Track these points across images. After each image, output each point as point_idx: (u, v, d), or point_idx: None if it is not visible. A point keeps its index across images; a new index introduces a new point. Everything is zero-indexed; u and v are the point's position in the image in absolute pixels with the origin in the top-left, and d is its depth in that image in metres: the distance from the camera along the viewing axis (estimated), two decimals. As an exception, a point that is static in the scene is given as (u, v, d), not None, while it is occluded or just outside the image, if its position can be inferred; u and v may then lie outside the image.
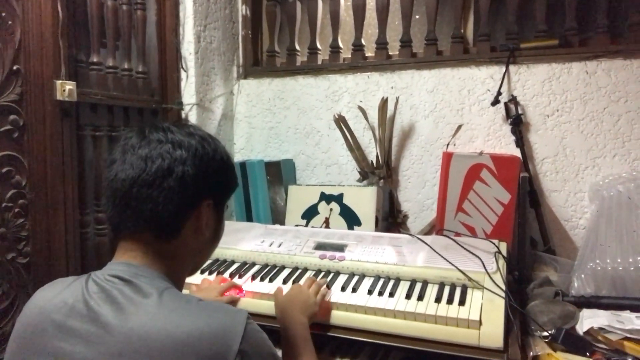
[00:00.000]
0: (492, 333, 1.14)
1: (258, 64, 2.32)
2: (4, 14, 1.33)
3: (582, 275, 1.49)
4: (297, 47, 2.22)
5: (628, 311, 1.36)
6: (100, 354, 0.71)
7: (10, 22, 1.34)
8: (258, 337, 0.78)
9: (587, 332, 1.28)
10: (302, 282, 1.33)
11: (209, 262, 1.57)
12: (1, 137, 1.32)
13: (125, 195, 0.80)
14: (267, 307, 1.30)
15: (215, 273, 1.49)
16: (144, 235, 0.82)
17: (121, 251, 0.83)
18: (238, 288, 1.39)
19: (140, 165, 0.80)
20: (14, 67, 1.35)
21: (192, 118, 1.99)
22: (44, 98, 1.40)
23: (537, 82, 1.78)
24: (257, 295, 1.36)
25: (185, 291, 1.34)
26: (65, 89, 1.42)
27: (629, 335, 1.24)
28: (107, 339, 0.71)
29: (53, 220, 1.42)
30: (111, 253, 0.86)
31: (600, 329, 1.27)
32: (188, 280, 1.41)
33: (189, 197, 0.82)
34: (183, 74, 1.97)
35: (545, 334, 1.29)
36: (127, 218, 0.81)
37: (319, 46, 2.18)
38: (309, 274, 1.44)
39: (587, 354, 1.24)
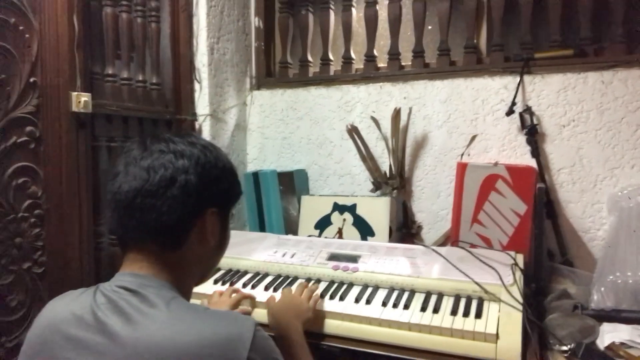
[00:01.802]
0: (510, 347, 1.11)
1: (271, 75, 2.33)
2: (21, 27, 1.35)
3: (602, 288, 1.45)
4: (310, 58, 2.23)
5: (650, 326, 1.32)
6: None
7: (27, 36, 1.36)
8: (266, 345, 0.77)
9: (608, 347, 1.25)
10: (293, 288, 1.34)
11: (222, 272, 1.57)
12: (18, 148, 1.34)
13: (129, 207, 0.80)
14: (280, 318, 1.29)
15: (229, 283, 1.48)
16: (149, 245, 0.82)
17: (127, 262, 0.83)
18: (250, 299, 1.38)
19: (143, 176, 0.79)
20: (31, 80, 1.37)
21: (206, 129, 2.00)
22: (60, 109, 1.41)
23: (552, 92, 1.76)
24: (270, 307, 1.35)
25: (196, 301, 1.35)
26: (80, 100, 1.44)
27: (651, 351, 1.21)
28: (114, 349, 0.71)
29: (68, 231, 1.43)
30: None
31: (622, 343, 1.24)
32: (199, 290, 1.43)
33: (193, 206, 0.82)
34: (197, 85, 1.99)
35: (565, 348, 1.26)
36: (132, 229, 0.81)
37: (331, 57, 2.19)
38: (322, 285, 1.43)
39: (608, 369, 1.21)
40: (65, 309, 0.78)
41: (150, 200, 0.79)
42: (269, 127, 2.23)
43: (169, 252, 0.82)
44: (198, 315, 0.76)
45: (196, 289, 1.43)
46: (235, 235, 1.82)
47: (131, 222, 0.80)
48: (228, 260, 1.60)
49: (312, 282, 1.45)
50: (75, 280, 1.43)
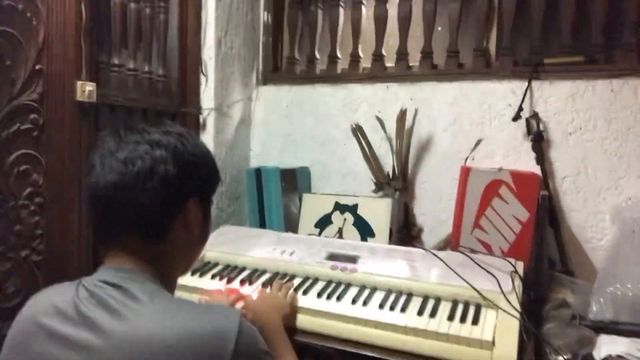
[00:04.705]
0: (505, 355, 1.10)
1: (277, 70, 2.32)
2: (29, 14, 1.35)
3: (601, 299, 1.44)
4: (317, 55, 2.21)
5: (648, 339, 1.31)
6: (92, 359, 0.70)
7: (34, 22, 1.36)
8: (252, 335, 0.77)
9: (605, 359, 1.24)
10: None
11: (220, 267, 1.56)
12: (21, 136, 1.34)
13: (109, 201, 0.78)
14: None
15: (226, 279, 1.48)
16: (131, 239, 0.80)
17: (110, 257, 0.82)
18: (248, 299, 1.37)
19: (121, 169, 0.77)
20: (36, 67, 1.37)
21: (210, 122, 2.00)
22: (64, 98, 1.41)
23: (560, 99, 1.75)
24: (267, 304, 1.34)
25: (195, 297, 1.35)
26: (85, 89, 1.43)
27: (648, 365, 1.20)
28: (98, 344, 0.70)
29: (68, 219, 1.43)
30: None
31: (619, 356, 1.23)
32: (197, 285, 1.43)
33: (174, 196, 0.81)
34: (203, 79, 1.98)
35: (561, 358, 1.25)
36: (113, 223, 0.80)
37: (339, 55, 2.18)
38: (319, 284, 1.42)
39: (604, 382, 1.20)
40: (48, 302, 0.77)
41: (130, 194, 0.77)
42: (274, 123, 2.22)
43: (152, 245, 0.81)
44: (183, 308, 0.76)
45: (193, 283, 1.45)
46: (234, 231, 1.84)
47: (112, 216, 0.79)
48: (226, 256, 1.60)
49: (310, 280, 1.45)
50: (73, 268, 1.43)
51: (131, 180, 0.77)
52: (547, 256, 1.62)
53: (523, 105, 1.75)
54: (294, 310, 1.30)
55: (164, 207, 0.80)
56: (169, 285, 0.85)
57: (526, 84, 1.76)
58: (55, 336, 0.73)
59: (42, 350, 0.73)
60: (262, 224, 1.98)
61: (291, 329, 1.27)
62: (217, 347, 0.71)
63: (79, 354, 0.71)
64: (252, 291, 1.40)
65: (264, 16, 2.27)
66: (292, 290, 1.36)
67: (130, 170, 0.77)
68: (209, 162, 0.89)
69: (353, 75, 2.10)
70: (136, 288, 0.76)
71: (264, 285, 1.43)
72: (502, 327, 1.17)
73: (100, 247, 1.53)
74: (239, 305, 1.33)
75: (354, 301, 1.32)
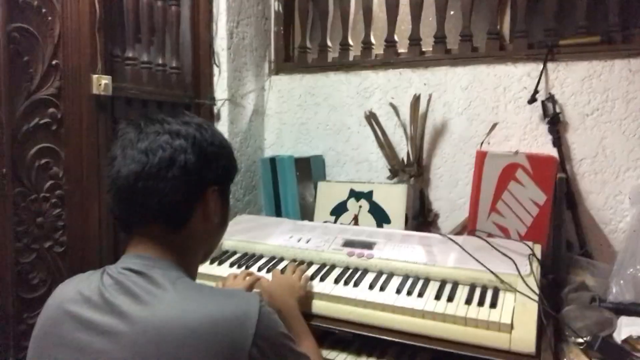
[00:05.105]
0: (524, 337, 1.10)
1: (289, 60, 2.32)
2: (44, 10, 1.36)
3: (621, 281, 1.43)
4: (329, 43, 2.21)
5: (669, 320, 1.30)
6: (117, 344, 0.72)
7: (50, 18, 1.38)
8: (272, 319, 0.79)
9: (625, 341, 1.23)
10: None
11: (237, 255, 1.58)
12: (40, 130, 1.36)
13: (131, 191, 0.80)
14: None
15: (244, 267, 1.50)
16: (153, 227, 0.82)
17: (132, 245, 0.84)
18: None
19: (142, 159, 0.79)
20: (53, 62, 1.39)
21: (224, 113, 2.01)
22: (81, 92, 1.43)
23: (576, 80, 1.72)
24: (285, 291, 1.36)
25: (211, 284, 1.37)
26: (101, 83, 1.45)
27: (670, 345, 1.19)
28: (123, 329, 0.72)
29: (88, 211, 1.45)
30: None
31: (640, 337, 1.22)
32: (215, 272, 1.45)
33: (194, 185, 0.83)
34: (215, 70, 1.99)
35: (580, 340, 1.25)
36: (135, 213, 0.82)
37: (350, 42, 2.17)
38: (336, 270, 1.44)
39: (625, 363, 1.19)
40: (74, 291, 0.80)
41: (151, 183, 0.79)
42: (287, 113, 2.23)
43: (173, 233, 0.83)
44: (204, 294, 0.77)
45: (212, 271, 1.47)
46: (251, 220, 1.86)
47: (134, 205, 0.81)
48: (244, 244, 1.61)
49: (327, 267, 1.46)
50: (95, 259, 1.46)
51: (152, 169, 0.79)
52: (565, 239, 1.61)
53: (539, 88, 1.73)
54: (308, 294, 1.31)
55: (185, 195, 0.81)
56: (190, 272, 0.87)
57: (541, 66, 1.74)
58: (82, 322, 0.76)
59: (70, 336, 0.76)
60: (278, 213, 1.99)
61: (309, 315, 1.29)
62: (238, 331, 0.73)
63: (104, 339, 0.73)
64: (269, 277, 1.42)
65: (274, 6, 2.27)
66: (306, 273, 1.37)
67: (151, 160, 0.79)
68: (227, 152, 0.91)
69: (366, 62, 2.09)
70: (159, 275, 0.77)
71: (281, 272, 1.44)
72: (520, 310, 1.17)
73: (122, 235, 1.57)
74: (256, 289, 1.35)
75: (371, 286, 1.32)
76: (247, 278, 1.36)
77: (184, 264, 0.85)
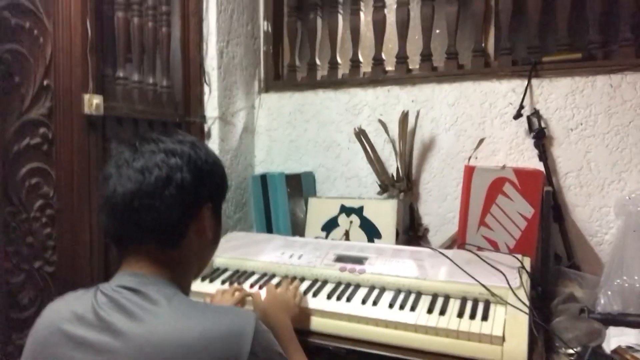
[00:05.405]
0: (516, 349, 1.11)
1: (279, 78, 2.35)
2: (35, 31, 1.38)
3: (609, 292, 1.45)
4: (318, 62, 2.24)
5: (657, 330, 1.32)
6: None
7: (41, 40, 1.39)
8: (267, 338, 0.79)
9: (614, 351, 1.25)
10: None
11: (229, 273, 1.58)
12: (31, 150, 1.37)
13: (127, 209, 0.80)
14: (287, 319, 1.30)
15: (236, 284, 1.49)
16: (148, 245, 0.82)
17: (126, 263, 0.84)
18: (253, 296, 1.38)
19: (138, 178, 0.80)
20: (45, 82, 1.40)
21: (215, 131, 2.02)
22: (72, 112, 1.43)
23: (560, 96, 1.77)
24: (277, 308, 1.36)
25: (199, 300, 1.36)
26: (92, 102, 1.46)
27: (658, 355, 1.20)
28: (118, 347, 0.72)
29: (78, 231, 1.45)
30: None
31: (629, 347, 1.24)
32: (202, 290, 1.44)
33: (190, 203, 0.83)
34: (206, 88, 2.01)
35: (571, 351, 1.26)
36: (131, 231, 0.82)
37: (339, 60, 2.20)
38: (329, 286, 1.44)
39: (615, 373, 1.21)
40: (66, 309, 0.79)
41: (148, 201, 0.79)
42: (277, 130, 2.25)
43: (168, 250, 0.83)
44: (200, 310, 0.78)
45: (203, 289, 1.47)
46: (242, 237, 1.86)
47: (130, 224, 0.81)
48: (235, 261, 1.61)
49: (319, 283, 1.46)
50: (85, 279, 1.45)
51: (149, 188, 0.80)
52: (553, 251, 1.64)
53: (524, 104, 1.77)
54: (302, 311, 1.31)
55: (181, 213, 0.82)
56: (184, 288, 0.87)
57: (526, 82, 1.78)
58: (76, 342, 0.75)
59: (64, 356, 0.75)
60: (269, 229, 2.00)
61: (302, 331, 1.29)
62: (233, 348, 0.73)
63: (100, 357, 0.73)
64: (261, 295, 1.41)
65: (263, 25, 2.30)
66: (300, 290, 1.37)
67: (147, 179, 0.80)
68: (220, 170, 0.92)
69: (354, 80, 2.12)
70: (154, 291, 0.78)
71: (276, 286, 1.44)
72: (511, 322, 1.18)
73: (112, 255, 1.56)
74: (249, 305, 1.34)
75: (363, 301, 1.33)
76: (236, 294, 1.36)
77: (178, 281, 0.85)
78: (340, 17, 2.19)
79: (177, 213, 0.81)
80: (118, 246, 0.85)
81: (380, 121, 2.00)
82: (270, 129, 2.26)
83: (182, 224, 0.83)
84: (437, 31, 2.13)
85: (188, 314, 0.75)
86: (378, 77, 2.07)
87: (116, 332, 0.73)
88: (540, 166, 1.75)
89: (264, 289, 1.37)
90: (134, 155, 0.82)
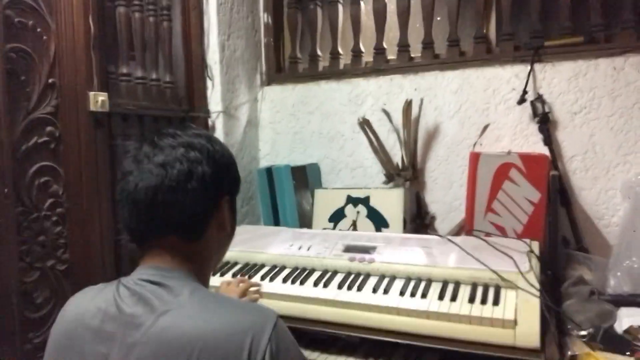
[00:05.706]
0: (528, 332, 1.13)
1: (281, 70, 2.34)
2: (39, 30, 1.37)
3: (618, 273, 1.46)
4: (319, 53, 2.24)
5: (667, 309, 1.33)
6: (136, 354, 0.73)
7: (45, 37, 1.39)
8: (286, 336, 0.79)
9: (626, 331, 1.26)
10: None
11: (239, 266, 1.59)
12: (39, 148, 1.37)
13: (150, 204, 0.80)
14: (299, 309, 1.33)
15: (247, 277, 1.50)
16: (170, 239, 0.83)
17: (148, 256, 0.84)
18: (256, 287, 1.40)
19: (160, 172, 0.80)
20: (50, 81, 1.40)
21: (219, 125, 2.03)
22: (78, 109, 1.44)
23: (563, 80, 1.76)
24: (290, 298, 1.37)
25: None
26: (98, 100, 1.46)
27: (669, 334, 1.22)
28: (141, 339, 0.73)
29: (89, 228, 1.46)
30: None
31: (640, 327, 1.25)
32: (217, 284, 1.45)
33: (212, 196, 0.84)
34: (209, 83, 2.01)
35: (583, 333, 1.27)
36: (154, 225, 0.82)
37: (340, 51, 2.20)
38: (339, 276, 1.45)
39: (627, 352, 1.22)
40: (90, 304, 0.80)
41: (172, 195, 0.80)
42: (281, 122, 2.25)
43: (191, 244, 0.84)
44: (222, 304, 0.78)
45: (214, 282, 1.47)
46: (250, 230, 1.87)
47: (153, 218, 0.81)
48: (244, 254, 1.62)
49: (329, 273, 1.47)
50: (98, 276, 1.46)
51: (172, 182, 0.80)
52: (561, 235, 1.65)
53: (527, 89, 1.77)
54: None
55: (203, 206, 0.83)
56: (205, 281, 0.88)
57: (528, 67, 1.78)
58: (101, 335, 0.76)
59: (90, 350, 0.76)
60: (277, 222, 2.00)
61: (316, 320, 1.29)
62: (252, 343, 0.73)
63: (123, 350, 0.73)
64: (273, 287, 1.42)
65: (264, 18, 2.29)
66: (255, 291, 1.37)
67: (169, 173, 0.80)
68: (234, 163, 0.93)
69: (356, 70, 2.12)
70: (176, 284, 0.78)
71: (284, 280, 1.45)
72: (523, 306, 1.19)
73: (123, 251, 1.57)
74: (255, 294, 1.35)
75: (374, 290, 1.34)
76: (241, 285, 1.36)
77: (199, 274, 0.86)
78: (340, 7, 2.18)
79: (200, 206, 0.82)
80: (139, 241, 0.86)
81: (384, 110, 2.00)
82: (274, 122, 2.26)
83: (205, 216, 0.84)
84: (438, 18, 2.13)
85: (210, 308, 0.76)
86: (380, 67, 2.07)
87: (139, 324, 0.74)
88: (545, 151, 1.75)
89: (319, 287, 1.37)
90: (154, 150, 0.82)
